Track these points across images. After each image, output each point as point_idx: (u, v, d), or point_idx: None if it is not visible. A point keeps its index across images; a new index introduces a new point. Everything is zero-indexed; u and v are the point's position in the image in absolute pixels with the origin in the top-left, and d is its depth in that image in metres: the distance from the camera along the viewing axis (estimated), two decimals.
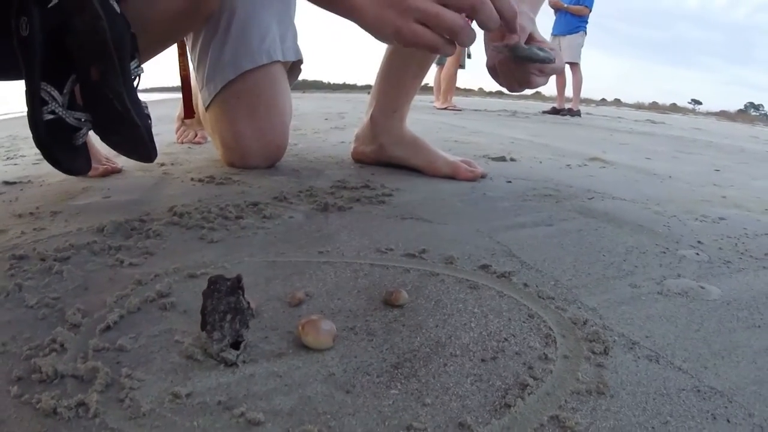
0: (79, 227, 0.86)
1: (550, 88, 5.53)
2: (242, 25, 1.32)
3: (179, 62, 1.47)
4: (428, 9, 0.73)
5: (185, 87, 1.44)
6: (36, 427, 0.40)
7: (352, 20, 0.82)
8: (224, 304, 0.48)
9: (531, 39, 0.96)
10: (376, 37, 0.81)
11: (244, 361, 0.49)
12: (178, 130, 2.00)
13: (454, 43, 0.76)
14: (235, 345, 0.49)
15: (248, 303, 0.50)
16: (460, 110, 5.36)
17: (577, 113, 5.81)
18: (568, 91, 6.13)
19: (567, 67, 5.95)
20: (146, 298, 0.61)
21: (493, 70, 0.99)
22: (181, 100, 1.55)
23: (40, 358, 0.48)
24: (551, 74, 0.97)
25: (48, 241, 0.79)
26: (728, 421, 0.44)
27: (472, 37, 0.76)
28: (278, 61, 1.35)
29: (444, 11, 0.73)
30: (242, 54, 1.31)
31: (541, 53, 0.92)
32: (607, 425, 0.42)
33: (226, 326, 0.48)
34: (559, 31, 5.94)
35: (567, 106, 5.99)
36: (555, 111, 5.86)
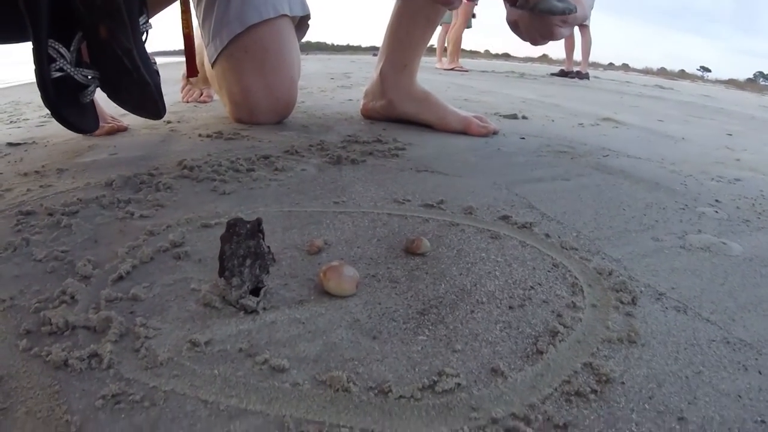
0: (87, 182, 0.84)
1: (558, 50, 5.45)
2: None
3: (182, 19, 1.43)
4: None
5: (188, 45, 1.40)
6: (46, 380, 0.38)
7: None
8: (243, 248, 0.46)
9: None
10: None
11: (264, 308, 0.47)
12: (183, 89, 1.96)
13: None
14: (255, 291, 0.47)
15: (268, 247, 0.48)
16: (467, 71, 5.28)
17: (586, 76, 5.72)
18: (577, 54, 6.03)
19: (576, 29, 5.85)
20: (159, 248, 0.59)
21: (515, 24, 0.96)
22: (188, 57, 1.52)
23: (50, 310, 0.46)
24: (575, 24, 0.95)
25: (55, 196, 0.77)
26: (760, 372, 0.43)
27: None
28: (285, 15, 1.31)
29: None
30: (248, 8, 1.27)
31: (561, 4, 0.89)
32: (641, 373, 0.41)
33: (245, 272, 0.47)
34: None
35: (575, 68, 5.90)
36: (563, 73, 5.77)
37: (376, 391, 0.38)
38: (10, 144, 1.18)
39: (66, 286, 0.50)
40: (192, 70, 1.46)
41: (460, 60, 5.81)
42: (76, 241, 0.62)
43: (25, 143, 1.19)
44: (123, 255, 0.57)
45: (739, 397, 0.40)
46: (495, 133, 1.34)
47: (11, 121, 1.60)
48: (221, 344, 0.42)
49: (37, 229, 0.65)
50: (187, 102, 1.89)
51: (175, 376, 0.39)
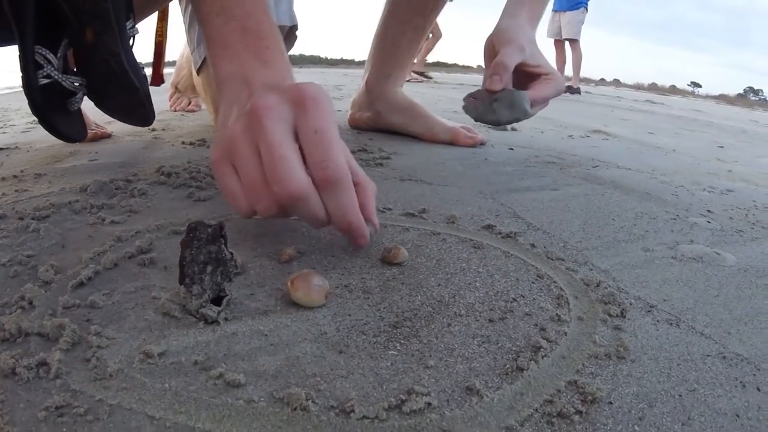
0: (62, 188, 0.81)
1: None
2: None
3: (157, 27, 1.41)
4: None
5: (157, 53, 1.38)
6: None
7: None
8: (204, 253, 0.43)
9: (522, 66, 0.94)
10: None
11: (226, 319, 0.44)
12: (171, 97, 1.94)
13: None
14: (217, 301, 0.44)
15: (231, 254, 0.45)
16: (422, 81, 5.30)
17: (577, 91, 5.74)
18: (568, 69, 6.05)
19: (567, 44, 5.88)
20: (125, 254, 0.56)
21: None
22: (155, 65, 1.50)
23: (5, 315, 0.43)
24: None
25: (28, 201, 0.75)
26: (758, 389, 0.40)
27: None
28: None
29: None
30: None
31: (508, 114, 0.90)
32: (630, 392, 0.38)
33: (206, 279, 0.43)
34: (559, 7, 5.82)
35: (566, 83, 5.92)
36: None
37: (338, 411, 0.34)
38: None
39: (25, 292, 0.47)
40: (156, 78, 1.43)
41: (433, 73, 5.81)
42: (42, 245, 0.59)
43: (7, 148, 1.16)
44: (87, 260, 0.55)
45: (737, 416, 0.37)
46: (483, 143, 1.32)
47: None
48: (176, 356, 0.39)
49: (6, 233, 0.62)
50: (175, 111, 1.86)
51: (124, 389, 0.36)
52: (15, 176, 0.88)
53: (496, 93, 0.92)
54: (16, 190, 0.80)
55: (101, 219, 0.67)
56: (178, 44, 1.80)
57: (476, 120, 0.96)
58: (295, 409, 0.34)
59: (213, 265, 0.43)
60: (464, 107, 1.03)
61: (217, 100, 1.28)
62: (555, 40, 5.98)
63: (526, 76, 0.95)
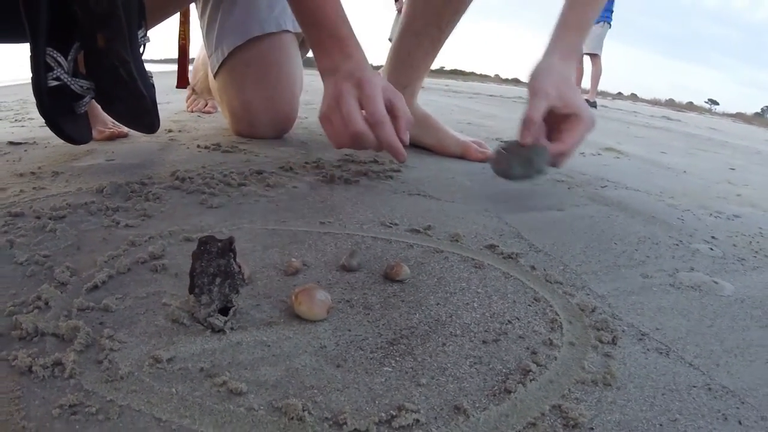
0: (79, 187, 0.84)
1: None
2: None
3: (179, 30, 1.45)
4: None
5: (181, 56, 1.41)
6: (9, 385, 0.38)
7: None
8: (214, 266, 0.45)
9: (552, 110, 0.93)
10: None
11: (232, 328, 0.46)
12: (188, 98, 1.97)
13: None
14: (224, 311, 0.46)
15: (239, 267, 0.47)
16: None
17: (593, 105, 5.73)
18: (585, 82, 6.05)
19: (586, 58, 5.87)
20: (138, 259, 0.59)
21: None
22: (180, 68, 1.53)
23: (23, 314, 0.46)
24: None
25: (45, 200, 0.77)
26: (740, 423, 0.42)
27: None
28: (289, 31, 1.32)
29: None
30: (250, 20, 1.28)
31: (519, 169, 0.92)
32: (613, 419, 0.40)
33: (214, 290, 0.46)
34: None
35: (584, 97, 5.93)
36: None
37: (331, 422, 0.36)
38: (11, 143, 1.18)
39: (41, 292, 0.49)
40: (182, 81, 1.47)
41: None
42: (58, 246, 0.62)
43: (26, 143, 1.19)
44: (101, 264, 0.57)
45: None
46: None
47: (16, 120, 1.61)
48: (183, 362, 0.42)
49: (23, 231, 0.65)
50: (192, 111, 1.89)
51: (133, 391, 0.38)
52: (33, 173, 0.91)
53: (527, 146, 0.93)
54: (34, 188, 0.82)
55: (116, 222, 0.70)
56: (194, 46, 1.84)
57: (494, 171, 0.96)
58: (292, 418, 0.36)
59: (222, 278, 0.46)
60: (488, 158, 1.03)
61: (229, 103, 1.32)
62: None
63: (557, 117, 0.96)
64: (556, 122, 0.96)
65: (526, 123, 0.92)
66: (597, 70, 5.94)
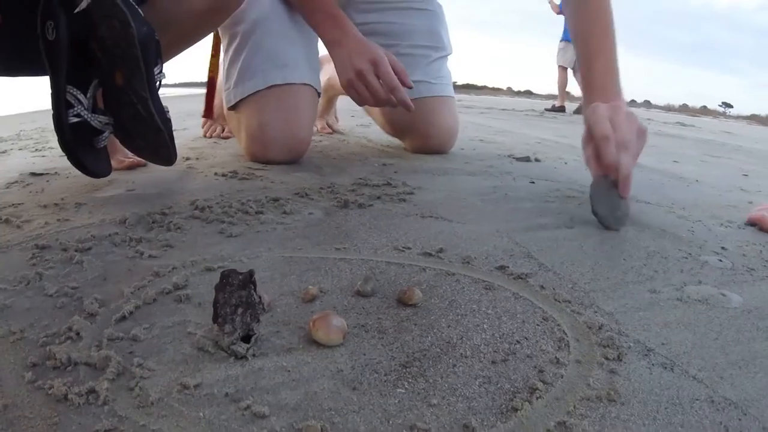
0: (102, 219, 0.87)
1: (575, 88, 5.80)
2: (277, 39, 1.38)
3: (210, 62, 1.51)
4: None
5: (210, 87, 1.46)
6: (47, 412, 0.41)
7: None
8: (236, 297, 0.48)
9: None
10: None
11: (254, 355, 0.49)
12: (204, 124, 2.01)
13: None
14: (246, 338, 0.49)
15: (260, 297, 0.50)
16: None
17: (561, 109, 6.06)
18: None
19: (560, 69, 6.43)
20: (162, 289, 0.62)
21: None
22: (207, 99, 1.59)
23: (56, 345, 0.49)
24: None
25: (70, 231, 0.80)
26: None
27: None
28: (310, 86, 1.40)
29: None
30: (273, 68, 1.36)
31: (609, 219, 0.95)
32: None
33: (237, 319, 0.49)
34: (567, 37, 5.96)
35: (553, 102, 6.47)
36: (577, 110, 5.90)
37: None
38: (33, 174, 1.22)
39: (72, 323, 0.53)
40: (209, 111, 1.52)
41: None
42: (86, 278, 0.65)
43: (47, 173, 1.23)
44: (128, 295, 0.60)
45: None
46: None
47: (36, 149, 1.66)
48: (209, 388, 0.44)
49: (51, 264, 0.68)
50: (210, 137, 1.94)
51: (164, 416, 0.41)
52: (56, 204, 0.95)
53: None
54: (58, 220, 0.86)
55: (140, 253, 0.73)
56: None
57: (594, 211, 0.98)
58: None
59: (243, 308, 0.49)
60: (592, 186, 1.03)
61: (247, 124, 1.37)
62: (560, 66, 6.33)
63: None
64: None
65: (625, 182, 0.94)
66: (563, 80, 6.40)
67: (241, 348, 0.48)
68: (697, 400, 0.47)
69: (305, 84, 1.38)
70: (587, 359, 0.52)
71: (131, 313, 0.56)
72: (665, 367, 0.52)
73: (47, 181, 1.16)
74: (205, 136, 1.96)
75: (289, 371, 0.47)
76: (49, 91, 0.82)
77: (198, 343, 0.50)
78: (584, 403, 0.45)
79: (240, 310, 0.49)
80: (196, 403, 0.42)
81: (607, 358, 0.52)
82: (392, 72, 1.26)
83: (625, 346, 0.55)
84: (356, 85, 1.29)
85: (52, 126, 0.84)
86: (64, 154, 0.85)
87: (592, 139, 1.00)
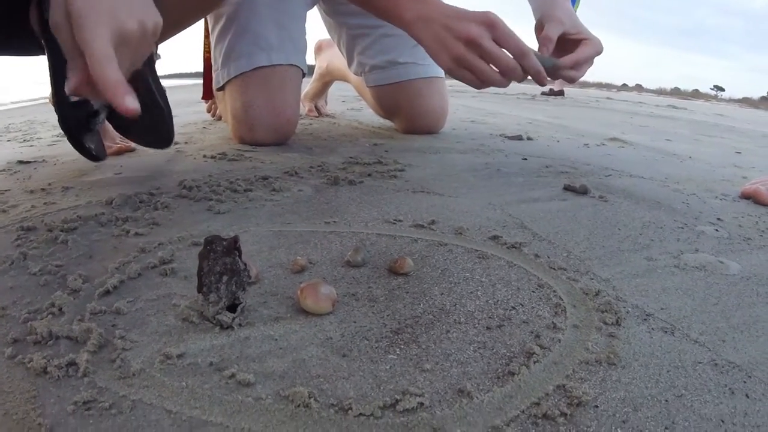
0: (89, 200, 0.85)
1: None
2: (262, 20, 1.34)
3: (204, 43, 1.48)
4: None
5: (207, 68, 1.44)
6: (26, 386, 0.39)
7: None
8: (220, 264, 0.47)
9: (565, 35, 1.07)
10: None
11: (240, 324, 0.47)
12: (209, 105, 2.01)
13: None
14: (232, 308, 0.48)
15: (245, 265, 0.48)
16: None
17: (561, 93, 5.93)
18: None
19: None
20: (148, 264, 0.60)
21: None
22: (205, 80, 1.57)
23: (37, 320, 0.47)
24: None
25: (57, 213, 0.79)
26: (747, 396, 0.42)
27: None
28: (296, 66, 1.37)
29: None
30: (259, 50, 1.32)
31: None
32: (617, 396, 0.40)
33: (222, 288, 0.47)
34: None
35: (551, 86, 6.26)
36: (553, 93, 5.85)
37: (337, 408, 0.37)
38: (20, 162, 1.20)
39: (55, 299, 0.51)
40: (208, 93, 1.50)
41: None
42: (71, 256, 0.63)
43: (35, 161, 1.21)
44: (113, 270, 0.58)
45: (722, 421, 0.39)
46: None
47: (24, 140, 1.63)
48: (193, 358, 0.43)
49: (36, 244, 0.66)
50: (214, 116, 1.94)
51: (145, 386, 0.39)
52: (43, 189, 0.93)
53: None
54: (45, 203, 0.84)
55: (126, 231, 0.71)
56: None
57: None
58: (298, 406, 0.37)
59: (228, 275, 0.47)
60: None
61: (232, 105, 1.35)
62: None
63: (570, 42, 1.08)
64: (567, 48, 1.07)
65: (544, 41, 1.04)
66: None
67: (226, 317, 0.47)
68: (699, 363, 0.46)
69: (291, 65, 1.36)
70: (585, 324, 0.51)
71: (115, 287, 0.55)
72: (666, 331, 0.51)
73: (35, 168, 1.14)
74: (211, 115, 1.98)
75: (276, 340, 0.46)
76: (48, 71, 0.80)
77: (182, 314, 0.48)
78: (583, 367, 0.44)
79: (225, 278, 0.47)
80: (178, 373, 0.41)
81: (605, 323, 0.51)
82: (517, 36, 0.95)
83: (624, 311, 0.54)
84: (468, 59, 0.95)
85: (40, 119, 0.82)
86: (64, 133, 0.82)
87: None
